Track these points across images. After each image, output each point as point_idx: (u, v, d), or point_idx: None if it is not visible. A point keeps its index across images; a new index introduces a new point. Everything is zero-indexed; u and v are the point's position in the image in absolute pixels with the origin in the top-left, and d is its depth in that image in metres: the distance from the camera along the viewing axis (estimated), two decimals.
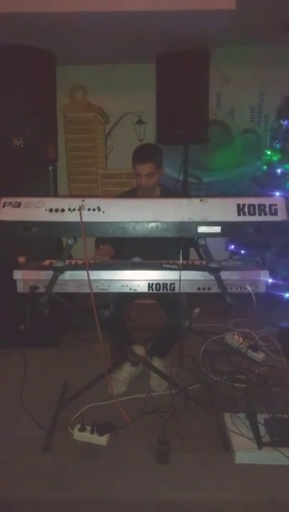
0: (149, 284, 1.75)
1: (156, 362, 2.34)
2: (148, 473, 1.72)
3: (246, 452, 1.76)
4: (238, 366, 2.47)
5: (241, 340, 2.74)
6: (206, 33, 3.02)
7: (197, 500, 1.62)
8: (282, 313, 3.07)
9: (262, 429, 1.83)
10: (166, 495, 1.64)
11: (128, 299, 2.26)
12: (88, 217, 1.57)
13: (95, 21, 2.75)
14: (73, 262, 1.93)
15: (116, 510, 1.65)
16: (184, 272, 1.70)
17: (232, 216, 1.55)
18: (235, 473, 1.72)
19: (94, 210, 1.57)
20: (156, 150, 2.37)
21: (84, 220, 1.55)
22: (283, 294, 3.15)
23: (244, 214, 1.55)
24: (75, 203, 1.57)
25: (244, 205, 1.56)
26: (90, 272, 1.66)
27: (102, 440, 1.88)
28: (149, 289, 1.76)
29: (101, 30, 2.90)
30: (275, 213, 1.54)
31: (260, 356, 2.58)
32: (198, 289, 1.76)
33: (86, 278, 1.66)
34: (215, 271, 1.69)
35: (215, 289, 1.74)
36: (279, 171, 3.28)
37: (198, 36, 3.04)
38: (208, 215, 1.56)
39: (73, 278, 1.74)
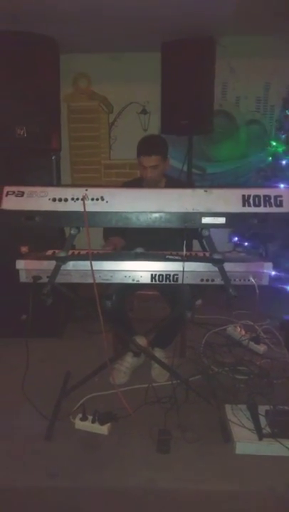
0: (152, 275, 1.75)
1: (158, 353, 2.35)
2: (149, 463, 1.73)
3: (247, 443, 1.77)
4: (240, 358, 2.47)
5: (243, 332, 2.74)
6: (211, 21, 2.96)
7: (197, 490, 1.63)
8: (284, 306, 3.06)
9: (262, 421, 1.84)
10: (167, 484, 1.65)
11: (130, 289, 2.25)
12: (92, 207, 1.55)
13: (98, 8, 2.71)
14: (76, 252, 1.92)
15: (116, 499, 1.66)
16: (187, 264, 1.69)
17: (237, 207, 1.54)
18: (236, 464, 1.73)
19: (97, 199, 1.56)
20: (161, 141, 2.33)
21: (87, 209, 1.54)
22: (286, 286, 3.14)
23: (249, 205, 1.54)
24: (79, 192, 1.56)
25: (249, 196, 1.54)
26: (92, 262, 1.66)
27: (104, 429, 1.89)
28: (152, 280, 1.75)
29: (105, 17, 2.86)
30: (281, 205, 1.53)
31: (261, 348, 2.59)
32: (202, 280, 1.75)
33: (89, 268, 1.66)
34: (218, 262, 1.68)
35: (218, 281, 1.74)
36: (284, 162, 3.24)
37: (204, 24, 2.98)
38: (213, 205, 1.54)
39: (76, 268, 1.73)
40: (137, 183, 2.40)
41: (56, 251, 1.81)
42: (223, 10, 2.76)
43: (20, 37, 2.69)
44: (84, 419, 1.92)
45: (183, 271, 1.69)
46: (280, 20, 3.00)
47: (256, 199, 1.54)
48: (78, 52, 3.58)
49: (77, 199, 1.55)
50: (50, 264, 1.72)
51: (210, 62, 3.14)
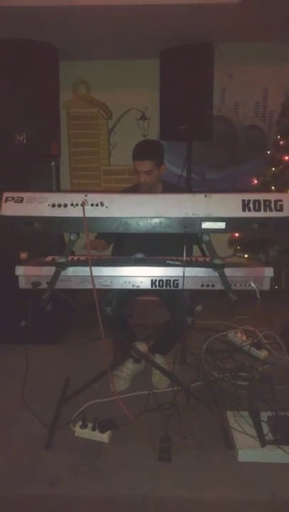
0: (152, 280, 1.73)
1: (159, 359, 2.33)
2: (150, 471, 1.71)
3: (249, 450, 1.75)
4: (241, 364, 2.45)
5: (244, 337, 2.73)
6: (210, 28, 2.99)
7: (199, 498, 1.62)
8: (285, 311, 3.05)
9: (265, 427, 1.82)
10: (168, 492, 1.63)
11: (130, 295, 2.24)
12: (91, 212, 1.55)
13: (97, 15, 2.73)
14: (76, 258, 1.92)
15: (117, 507, 1.65)
16: (187, 269, 1.68)
17: (237, 212, 1.53)
18: (238, 471, 1.71)
19: (97, 205, 1.55)
20: (155, 147, 2.31)
21: (87, 215, 1.54)
22: None
23: (249, 210, 1.53)
24: (78, 198, 1.55)
25: (249, 201, 1.54)
26: (92, 268, 1.65)
27: (104, 437, 1.87)
28: (152, 286, 1.74)
29: (104, 24, 2.88)
30: (281, 209, 1.52)
31: (263, 354, 2.57)
32: (202, 285, 1.74)
33: (89, 274, 1.65)
34: (219, 267, 1.67)
35: (218, 286, 1.72)
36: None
37: (203, 31, 3.00)
38: (213, 210, 1.54)
39: (76, 274, 1.72)
40: (133, 190, 2.40)
41: (56, 257, 1.80)
42: (222, 17, 2.77)
43: (20, 44, 2.71)
44: (84, 426, 1.91)
45: (183, 276, 1.68)
46: (278, 26, 3.03)
47: (256, 204, 1.53)
48: (78, 59, 3.61)
49: (77, 205, 1.55)
50: (50, 270, 1.71)
51: (208, 68, 3.16)
